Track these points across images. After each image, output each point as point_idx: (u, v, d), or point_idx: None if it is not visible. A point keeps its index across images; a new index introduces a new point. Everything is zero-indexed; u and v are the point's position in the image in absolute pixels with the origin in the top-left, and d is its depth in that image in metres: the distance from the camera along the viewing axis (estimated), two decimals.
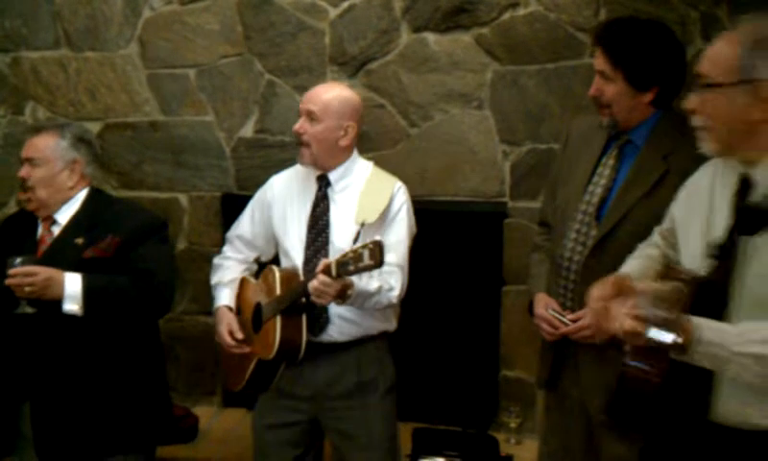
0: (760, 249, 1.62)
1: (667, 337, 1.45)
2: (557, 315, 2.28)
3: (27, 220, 2.56)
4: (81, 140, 2.55)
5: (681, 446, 1.77)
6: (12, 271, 2.27)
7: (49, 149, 2.50)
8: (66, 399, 2.40)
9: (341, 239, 2.40)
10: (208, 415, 3.64)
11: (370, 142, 3.36)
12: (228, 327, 2.55)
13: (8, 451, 2.54)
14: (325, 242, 2.43)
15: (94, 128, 3.65)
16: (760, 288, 1.61)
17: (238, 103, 3.59)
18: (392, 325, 2.57)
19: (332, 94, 2.46)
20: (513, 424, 3.37)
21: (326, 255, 2.38)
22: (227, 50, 3.57)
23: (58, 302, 2.31)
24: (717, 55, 1.67)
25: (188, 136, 3.65)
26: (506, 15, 3.30)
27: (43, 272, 2.29)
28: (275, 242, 2.61)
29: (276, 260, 2.62)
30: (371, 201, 2.42)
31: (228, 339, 2.54)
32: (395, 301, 2.38)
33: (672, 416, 1.72)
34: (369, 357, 2.50)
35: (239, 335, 2.53)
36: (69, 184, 2.51)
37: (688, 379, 1.61)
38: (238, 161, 3.63)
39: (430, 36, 3.38)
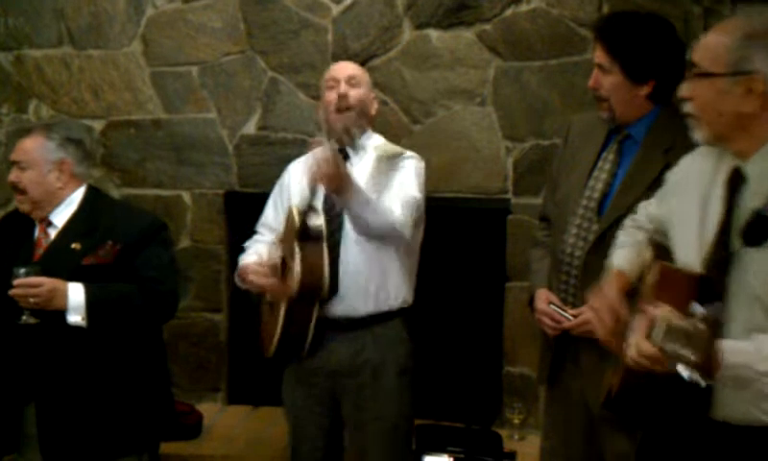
0: (760, 251, 1.59)
1: (700, 379, 1.40)
2: (558, 310, 2.28)
3: (23, 220, 2.55)
4: (68, 140, 2.54)
5: (680, 442, 1.75)
6: (16, 282, 2.28)
7: (36, 151, 2.48)
8: (70, 401, 2.41)
9: None
10: (212, 412, 3.63)
11: None
12: (254, 267, 2.48)
13: (11, 450, 2.54)
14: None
15: (97, 126, 3.67)
16: (760, 285, 1.58)
17: (241, 100, 3.59)
18: (410, 295, 2.59)
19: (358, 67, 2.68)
20: (516, 421, 3.37)
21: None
22: (229, 47, 3.57)
23: (61, 312, 2.32)
24: (711, 44, 1.64)
25: (191, 134, 3.65)
26: (508, 11, 3.30)
27: (48, 283, 2.29)
28: None
29: None
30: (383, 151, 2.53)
31: (259, 277, 2.45)
32: (396, 225, 2.37)
33: (672, 412, 1.69)
34: (385, 337, 2.52)
35: (264, 268, 2.45)
36: (58, 185, 2.50)
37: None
38: (241, 159, 3.63)
39: (433, 33, 3.38)
